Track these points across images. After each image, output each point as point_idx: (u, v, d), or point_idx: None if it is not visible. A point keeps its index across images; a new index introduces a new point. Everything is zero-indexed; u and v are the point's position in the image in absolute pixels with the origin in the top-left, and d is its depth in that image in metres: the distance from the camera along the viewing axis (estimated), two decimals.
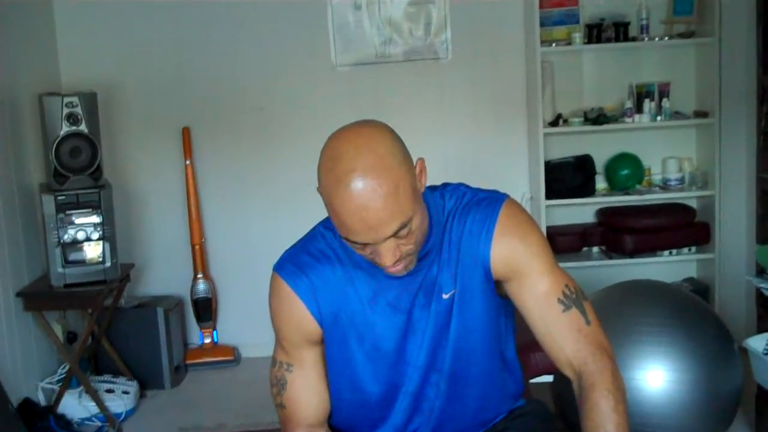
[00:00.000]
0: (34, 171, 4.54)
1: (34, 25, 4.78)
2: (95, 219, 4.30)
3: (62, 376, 4.39)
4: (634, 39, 4.82)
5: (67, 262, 4.27)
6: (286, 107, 5.08)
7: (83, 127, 4.28)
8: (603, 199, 4.95)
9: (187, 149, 5.02)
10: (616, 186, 4.96)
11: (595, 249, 5.05)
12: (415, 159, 1.78)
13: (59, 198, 4.25)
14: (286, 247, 2.02)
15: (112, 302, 4.66)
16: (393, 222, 1.68)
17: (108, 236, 4.33)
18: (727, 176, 4.78)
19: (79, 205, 4.29)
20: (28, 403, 4.17)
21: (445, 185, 1.99)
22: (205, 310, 5.08)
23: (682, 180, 4.94)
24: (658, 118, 4.80)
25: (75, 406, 4.32)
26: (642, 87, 4.88)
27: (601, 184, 5.00)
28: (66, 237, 4.25)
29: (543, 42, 4.75)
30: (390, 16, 5.00)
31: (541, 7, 4.73)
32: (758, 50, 4.22)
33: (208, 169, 5.11)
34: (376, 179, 1.65)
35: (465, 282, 1.90)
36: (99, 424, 4.33)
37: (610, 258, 4.93)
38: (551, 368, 2.58)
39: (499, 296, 1.96)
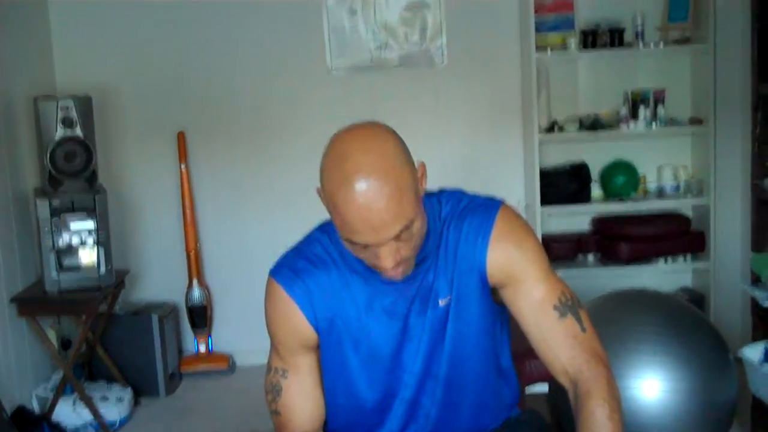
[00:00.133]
0: (29, 175, 4.53)
1: (30, 29, 4.77)
2: (90, 224, 4.29)
3: (56, 382, 4.37)
4: (629, 45, 4.82)
5: (61, 268, 4.26)
6: (281, 112, 5.08)
7: (78, 131, 4.27)
8: (598, 206, 4.95)
9: (182, 154, 5.01)
10: (611, 193, 4.95)
11: (590, 257, 5.03)
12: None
13: (54, 202, 4.24)
14: (282, 254, 2.01)
15: (107, 308, 4.65)
16: (396, 224, 1.68)
17: (103, 241, 4.31)
18: (722, 184, 4.78)
19: (73, 209, 4.29)
20: (22, 411, 4.15)
21: (441, 191, 1.99)
22: (200, 317, 5.06)
23: (677, 188, 4.93)
24: (654, 124, 4.80)
25: (69, 413, 4.30)
26: (637, 93, 4.87)
27: (596, 191, 4.99)
28: (60, 242, 4.24)
29: (538, 48, 4.74)
30: (385, 21, 5.00)
31: (536, 12, 4.72)
32: (753, 57, 4.23)
33: (204, 173, 5.11)
34: (381, 180, 1.66)
35: (461, 288, 1.90)
36: (93, 431, 4.32)
37: (605, 266, 4.92)
38: (546, 376, 2.57)
39: (494, 303, 1.95)
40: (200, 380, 4.98)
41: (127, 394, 4.51)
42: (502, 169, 5.07)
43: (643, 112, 4.79)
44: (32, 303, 4.28)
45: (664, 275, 4.98)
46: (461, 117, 5.06)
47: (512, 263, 1.88)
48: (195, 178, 5.08)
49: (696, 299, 4.78)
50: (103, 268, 4.32)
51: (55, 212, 4.24)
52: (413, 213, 1.72)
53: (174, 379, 4.88)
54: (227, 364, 5.05)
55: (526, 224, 1.97)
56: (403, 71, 5.02)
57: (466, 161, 4.99)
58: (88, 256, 4.32)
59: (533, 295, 1.87)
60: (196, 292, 5.04)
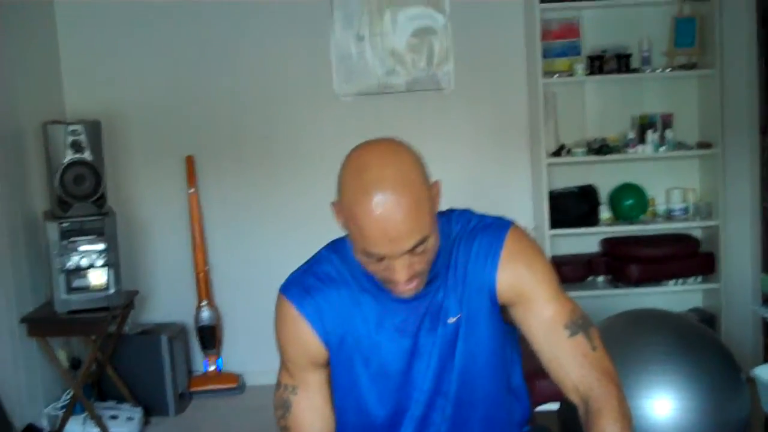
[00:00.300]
0: (39, 198, 4.56)
1: (39, 54, 4.82)
2: (99, 246, 4.32)
3: (66, 402, 4.39)
4: (636, 70, 4.85)
5: (71, 289, 4.28)
6: (289, 136, 5.11)
7: (87, 155, 4.32)
8: (607, 228, 4.96)
9: (191, 177, 5.04)
10: (620, 216, 4.96)
11: (600, 278, 5.04)
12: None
13: (63, 225, 4.27)
14: (292, 272, 2.02)
15: (116, 329, 4.66)
16: (412, 237, 1.70)
17: (112, 263, 4.34)
18: (731, 206, 4.79)
19: (83, 232, 4.31)
20: (31, 429, 4.17)
21: (451, 210, 2.00)
22: (210, 337, 5.08)
23: (686, 210, 4.94)
24: (661, 148, 4.81)
25: None
26: (644, 118, 4.90)
27: (605, 213, 5.00)
28: (70, 264, 4.27)
29: (545, 73, 4.78)
30: (393, 47, 5.03)
31: (543, 38, 4.76)
32: (760, 81, 4.26)
33: (212, 197, 5.13)
34: (401, 192, 1.67)
35: (471, 307, 1.90)
36: None
37: (616, 287, 4.92)
38: (556, 395, 2.57)
39: (504, 322, 1.96)
40: (210, 400, 4.99)
41: (137, 413, 4.52)
42: (511, 192, 5.08)
43: (651, 136, 4.81)
44: (42, 323, 4.30)
45: (674, 296, 4.97)
46: (469, 141, 5.08)
47: (522, 283, 1.88)
48: (203, 201, 5.11)
49: (707, 320, 4.77)
50: (112, 289, 4.34)
51: (64, 235, 4.26)
52: (429, 228, 1.73)
53: (183, 398, 4.88)
54: (236, 384, 5.05)
55: (536, 244, 1.97)
56: (410, 97, 5.05)
57: (475, 185, 5.01)
58: (97, 277, 4.34)
59: (544, 314, 1.87)
60: (206, 313, 5.05)
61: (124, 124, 5.05)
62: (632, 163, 4.99)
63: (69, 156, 4.28)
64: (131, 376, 4.73)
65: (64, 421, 4.30)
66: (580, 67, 4.80)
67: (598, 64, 4.82)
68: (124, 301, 4.47)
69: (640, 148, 4.82)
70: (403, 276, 1.75)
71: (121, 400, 4.64)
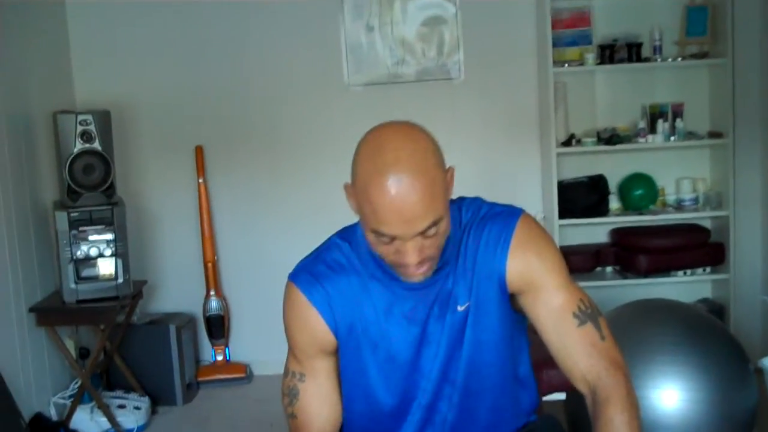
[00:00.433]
0: (48, 188, 4.57)
1: (49, 44, 4.82)
2: (108, 235, 4.32)
3: (74, 391, 4.40)
4: (647, 60, 4.82)
5: (79, 278, 4.29)
6: (298, 127, 5.10)
7: (97, 145, 4.31)
8: (616, 219, 4.94)
9: (200, 167, 5.04)
10: (629, 206, 4.94)
11: (609, 269, 5.03)
12: None
13: (72, 214, 4.27)
14: (301, 259, 2.02)
15: (125, 319, 4.67)
16: (426, 217, 1.69)
17: (121, 253, 4.34)
18: (741, 196, 4.77)
19: (92, 221, 4.31)
20: (40, 418, 4.18)
21: (461, 199, 1.99)
22: (218, 327, 5.09)
23: (696, 200, 4.92)
24: (672, 138, 4.79)
25: (87, 421, 4.34)
26: (655, 107, 4.87)
27: (614, 204, 4.98)
28: (79, 253, 4.27)
29: (555, 62, 4.76)
30: (403, 37, 5.01)
31: (553, 27, 4.74)
32: None
33: (221, 187, 5.13)
34: (416, 173, 1.68)
35: (480, 295, 1.90)
36: None
37: (624, 278, 4.91)
38: (563, 385, 2.57)
39: (513, 311, 1.95)
40: (217, 390, 5.00)
41: (145, 402, 4.53)
42: (520, 182, 5.07)
43: (662, 125, 4.78)
44: (51, 313, 4.31)
45: (683, 287, 4.95)
46: (479, 131, 5.06)
47: (532, 271, 1.88)
48: (212, 191, 5.11)
49: (715, 310, 4.75)
50: (120, 279, 4.35)
51: (73, 224, 4.27)
52: (442, 211, 1.73)
53: (191, 388, 4.90)
54: (244, 374, 5.06)
55: (546, 233, 1.97)
56: (420, 86, 5.04)
57: (484, 175, 4.99)
58: (106, 267, 4.35)
59: (553, 303, 1.87)
60: (214, 303, 5.06)
61: (133, 114, 5.05)
62: (642, 152, 4.97)
63: (78, 146, 4.28)
64: (139, 365, 4.74)
65: (71, 410, 4.32)
66: (590, 57, 4.78)
67: (608, 54, 4.79)
68: (132, 290, 4.48)
69: (650, 137, 4.79)
70: (414, 258, 1.74)
71: (128, 389, 4.66)
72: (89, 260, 4.30)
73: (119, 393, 4.60)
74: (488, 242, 1.89)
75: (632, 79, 4.99)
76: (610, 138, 4.79)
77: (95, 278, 4.33)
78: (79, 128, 4.28)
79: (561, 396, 3.14)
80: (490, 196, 2.02)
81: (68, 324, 4.49)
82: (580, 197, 4.86)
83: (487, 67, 5.03)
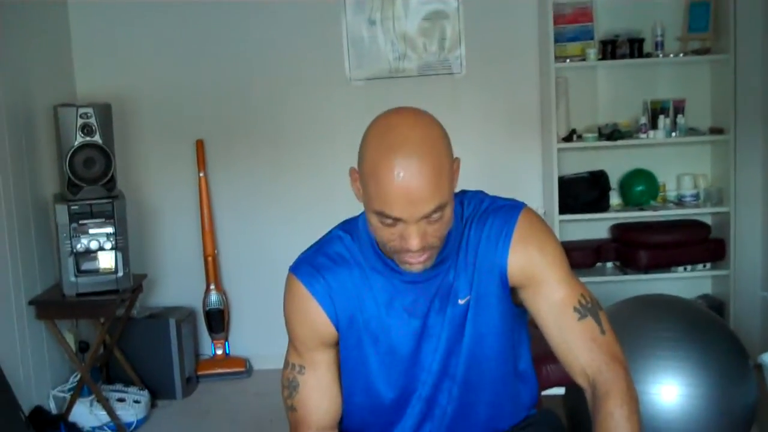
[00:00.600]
0: (48, 181, 4.56)
1: (50, 38, 4.82)
2: (108, 229, 4.31)
3: (74, 384, 4.40)
4: (648, 55, 4.82)
5: (79, 272, 4.28)
6: (300, 121, 5.10)
7: (97, 138, 4.30)
8: (617, 214, 4.94)
9: (201, 161, 5.04)
10: (630, 202, 4.95)
11: (609, 264, 5.02)
12: None
13: (72, 208, 4.26)
14: (303, 251, 2.02)
15: (125, 312, 4.67)
16: (432, 200, 1.69)
17: (121, 246, 4.34)
18: (742, 193, 4.76)
19: (92, 215, 4.31)
20: (39, 411, 4.18)
21: (463, 192, 1.99)
22: (217, 321, 5.09)
23: (697, 196, 4.92)
24: (673, 134, 4.79)
25: (86, 414, 4.34)
26: (657, 103, 4.87)
27: (615, 199, 4.99)
28: (79, 246, 4.27)
29: (557, 58, 4.75)
30: (404, 31, 5.01)
31: (555, 23, 4.73)
32: None
33: (222, 181, 5.13)
34: (425, 155, 1.68)
35: (481, 288, 1.89)
36: None
37: (625, 274, 4.91)
38: (563, 380, 2.57)
39: (514, 305, 1.95)
40: (217, 383, 5.00)
41: (144, 396, 4.53)
42: (521, 177, 5.07)
43: (663, 121, 4.78)
44: (51, 306, 4.31)
45: (684, 283, 4.96)
46: (480, 126, 5.06)
47: (533, 265, 1.88)
48: (213, 185, 5.11)
49: (715, 306, 4.76)
50: (121, 272, 4.34)
51: (73, 217, 4.26)
52: (448, 197, 1.73)
53: (191, 382, 4.90)
54: (244, 368, 5.06)
55: (548, 227, 1.97)
56: (421, 81, 5.03)
57: (485, 170, 4.99)
58: (106, 260, 4.34)
59: (553, 297, 1.87)
60: (214, 297, 5.06)
61: (134, 107, 5.05)
62: (643, 148, 4.97)
63: (79, 139, 4.27)
64: (139, 359, 4.75)
65: (71, 403, 4.32)
66: (592, 52, 4.77)
67: (610, 49, 4.79)
68: (132, 284, 4.47)
69: (651, 133, 4.79)
70: (416, 243, 1.73)
71: (128, 383, 4.66)
72: (89, 253, 4.30)
73: (119, 386, 4.60)
74: (490, 236, 1.89)
75: (634, 75, 4.98)
76: (611, 133, 4.78)
77: (95, 271, 4.32)
78: (80, 121, 4.27)
79: (560, 391, 3.14)
80: (490, 191, 2.02)
81: (68, 317, 4.49)
82: (581, 193, 4.86)
83: (488, 62, 5.03)
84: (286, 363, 2.02)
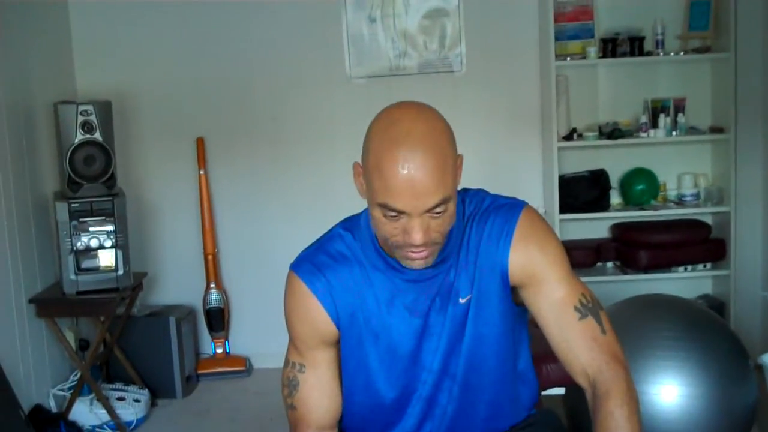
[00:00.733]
0: (49, 179, 4.56)
1: (51, 35, 4.81)
2: (108, 227, 4.31)
3: (74, 383, 4.40)
4: (649, 54, 4.81)
5: (79, 270, 4.28)
6: (300, 118, 5.09)
7: (97, 136, 4.30)
8: (617, 214, 4.94)
9: (201, 159, 5.04)
10: (630, 201, 4.94)
11: (609, 264, 5.02)
12: None
13: (73, 205, 4.26)
14: (303, 249, 2.01)
15: (125, 310, 4.67)
16: (437, 194, 1.69)
17: (121, 244, 4.33)
18: (742, 192, 4.75)
19: (92, 212, 4.30)
20: (39, 410, 4.18)
21: (465, 190, 1.98)
22: (218, 320, 5.08)
23: (697, 196, 4.92)
24: (674, 133, 4.78)
25: (86, 413, 4.34)
26: (657, 102, 4.86)
27: (615, 199, 4.98)
28: (79, 244, 4.26)
29: (558, 56, 4.75)
30: (405, 29, 5.00)
31: (556, 21, 4.73)
32: None
33: (222, 179, 5.13)
34: (430, 148, 1.68)
35: (482, 287, 1.89)
36: (110, 431, 4.34)
37: (625, 273, 4.90)
38: (563, 380, 2.57)
39: (514, 304, 1.95)
40: (217, 383, 4.99)
41: (144, 395, 4.53)
42: (521, 176, 5.07)
43: (663, 120, 4.77)
44: (51, 304, 4.30)
45: (684, 283, 4.95)
46: (480, 124, 5.05)
47: (534, 264, 1.88)
48: (214, 183, 5.10)
49: (716, 306, 4.75)
50: (121, 271, 4.34)
51: (73, 215, 4.26)
52: (451, 191, 1.73)
53: (191, 381, 4.90)
54: (244, 367, 5.06)
55: (549, 226, 1.97)
56: (422, 79, 5.03)
57: (485, 168, 4.97)
58: (106, 258, 4.34)
59: (554, 296, 1.87)
60: (214, 296, 5.06)
61: (135, 105, 5.04)
62: (644, 147, 4.96)
63: (79, 136, 4.27)
64: (139, 357, 4.74)
65: (71, 402, 4.32)
66: (592, 50, 4.76)
67: (611, 47, 4.78)
68: (132, 282, 4.47)
69: (652, 132, 4.78)
70: (419, 237, 1.72)
71: (128, 381, 4.66)
72: (89, 251, 4.30)
73: (119, 385, 4.59)
74: (491, 235, 1.89)
75: (634, 74, 4.98)
76: (612, 132, 4.78)
77: (95, 269, 4.32)
78: (80, 119, 4.26)
79: (560, 390, 3.14)
80: (490, 190, 2.02)
81: (68, 315, 4.49)
82: (581, 192, 4.86)
83: (489, 60, 5.02)
84: (287, 361, 2.02)
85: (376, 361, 1.95)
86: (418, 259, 1.78)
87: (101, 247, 4.30)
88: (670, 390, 3.00)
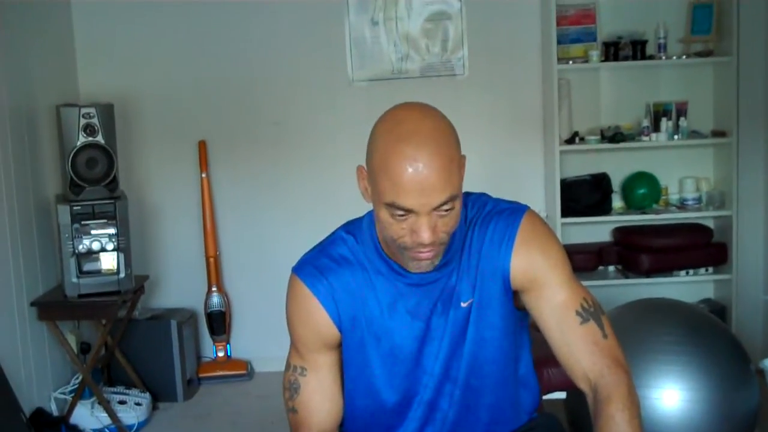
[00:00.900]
0: (51, 181, 4.56)
1: (53, 37, 4.81)
2: (110, 230, 4.31)
3: (75, 386, 4.40)
4: (651, 57, 4.81)
5: (81, 273, 4.27)
6: (302, 122, 5.09)
7: (100, 138, 4.30)
8: (619, 217, 4.93)
9: (203, 162, 5.04)
10: (632, 205, 4.94)
11: (611, 268, 5.02)
12: None
13: (75, 208, 4.26)
14: (305, 252, 2.01)
15: (126, 314, 4.67)
16: (444, 192, 1.69)
17: (123, 247, 4.33)
18: (744, 196, 4.75)
19: (94, 215, 4.30)
20: (40, 413, 4.17)
21: (467, 194, 1.98)
22: (219, 323, 5.08)
23: (699, 200, 4.91)
24: (676, 137, 4.78)
25: (87, 416, 4.33)
26: (659, 106, 4.86)
27: (617, 202, 4.98)
28: (81, 247, 4.26)
29: (560, 60, 4.75)
30: (407, 32, 5.01)
31: (558, 24, 4.73)
32: None
33: (224, 182, 5.13)
34: (436, 145, 1.69)
35: (483, 291, 1.89)
36: None
37: (626, 277, 4.90)
38: (564, 384, 2.56)
39: (516, 309, 1.95)
40: (218, 386, 4.99)
41: (146, 398, 4.53)
42: (523, 179, 5.06)
43: (665, 124, 4.77)
44: (52, 307, 4.30)
45: (686, 287, 4.94)
46: (482, 127, 5.05)
47: (536, 268, 1.88)
48: (215, 186, 5.10)
49: (717, 311, 4.75)
50: (122, 274, 4.33)
51: (75, 218, 4.26)
52: (458, 189, 1.73)
53: (192, 384, 4.89)
54: (245, 371, 5.06)
55: (550, 230, 1.97)
56: (424, 82, 5.03)
57: (487, 172, 4.96)
58: (108, 261, 4.33)
59: (556, 300, 1.87)
60: (215, 299, 5.06)
61: (137, 108, 5.05)
62: (646, 151, 4.96)
63: (82, 139, 4.26)
64: (140, 361, 4.74)
65: (72, 405, 4.33)
66: (595, 54, 4.77)
67: (613, 51, 4.79)
68: (134, 285, 4.47)
69: (654, 136, 4.78)
70: (428, 236, 1.72)
71: (129, 385, 4.65)
72: (91, 254, 4.29)
73: (120, 388, 4.59)
74: (493, 239, 1.89)
75: (636, 77, 4.98)
76: (614, 136, 4.78)
77: (97, 272, 4.31)
78: (83, 121, 4.26)
79: (562, 395, 3.13)
80: (492, 194, 2.02)
81: (70, 318, 4.48)
82: (583, 195, 4.85)
83: (491, 63, 5.02)
84: (288, 365, 2.02)
85: (378, 365, 1.95)
86: (425, 259, 1.78)
87: (103, 250, 4.30)
88: (671, 394, 3.00)
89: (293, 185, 5.12)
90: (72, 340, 4.45)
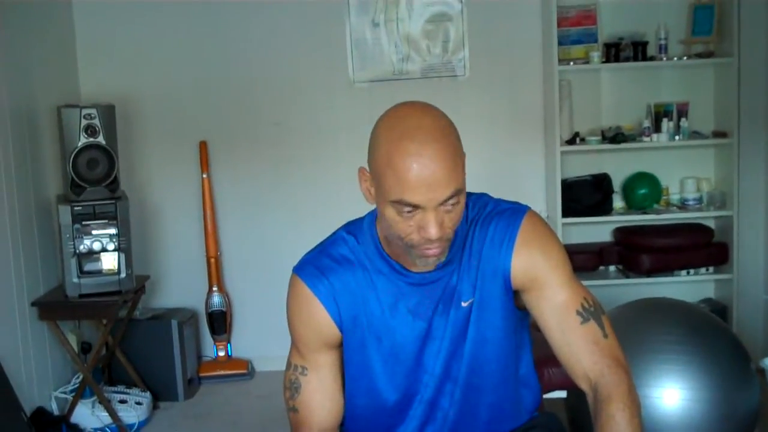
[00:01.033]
0: (52, 182, 4.56)
1: (54, 38, 4.82)
2: (111, 230, 4.31)
3: (76, 385, 4.40)
4: (652, 58, 4.81)
5: (82, 273, 4.27)
6: (303, 122, 5.10)
7: (101, 139, 4.30)
8: (620, 218, 4.94)
9: (204, 163, 5.04)
10: (633, 205, 4.94)
11: (612, 268, 5.03)
12: None
13: (76, 209, 4.26)
14: (306, 252, 2.01)
15: (127, 313, 4.67)
16: (450, 185, 1.69)
17: (124, 247, 4.33)
18: (745, 196, 4.76)
19: (95, 216, 4.30)
20: (41, 413, 4.17)
21: (468, 195, 1.97)
22: (220, 323, 5.08)
23: (700, 200, 4.92)
24: (677, 137, 4.79)
25: (88, 416, 4.33)
26: (660, 106, 4.87)
27: (618, 203, 4.99)
28: (82, 247, 4.26)
29: (561, 61, 4.75)
30: (408, 34, 5.01)
31: (559, 25, 4.73)
32: None
33: (225, 182, 5.13)
34: (440, 140, 1.69)
35: (484, 291, 1.89)
36: None
37: (627, 277, 4.90)
38: (564, 383, 2.57)
39: (516, 308, 1.95)
40: (219, 385, 4.99)
41: (146, 398, 4.53)
42: (524, 180, 5.07)
43: (666, 124, 4.78)
44: (53, 307, 4.31)
45: (686, 287, 4.95)
46: (483, 128, 5.05)
47: (536, 268, 1.88)
48: (216, 186, 5.11)
49: (718, 310, 4.75)
50: (123, 274, 4.34)
51: (76, 218, 4.26)
52: (463, 183, 1.74)
53: (193, 384, 4.90)
54: (246, 370, 5.06)
55: (551, 230, 1.97)
56: (425, 83, 5.03)
57: (488, 172, 4.95)
58: (109, 261, 4.33)
59: (556, 300, 1.87)
60: (216, 299, 5.06)
61: (138, 108, 5.05)
62: (647, 151, 4.96)
63: (83, 140, 4.27)
64: (141, 360, 4.74)
65: (73, 404, 4.33)
66: (596, 55, 4.77)
67: (614, 52, 4.79)
68: (135, 285, 4.47)
69: (655, 136, 4.78)
70: (435, 231, 1.72)
71: (130, 384, 4.65)
72: (92, 254, 4.30)
73: (121, 388, 4.59)
74: (494, 239, 1.89)
75: (637, 78, 4.98)
76: (615, 137, 4.78)
77: (98, 273, 4.31)
78: (84, 122, 4.26)
79: (562, 394, 3.14)
80: (493, 194, 2.02)
81: (70, 318, 4.49)
82: (584, 196, 4.86)
83: (492, 64, 5.03)
84: (289, 364, 2.02)
85: (379, 364, 1.95)
86: (433, 255, 1.77)
87: (104, 250, 4.30)
88: (672, 393, 3.00)
89: (294, 186, 5.13)
90: (73, 340, 4.45)
